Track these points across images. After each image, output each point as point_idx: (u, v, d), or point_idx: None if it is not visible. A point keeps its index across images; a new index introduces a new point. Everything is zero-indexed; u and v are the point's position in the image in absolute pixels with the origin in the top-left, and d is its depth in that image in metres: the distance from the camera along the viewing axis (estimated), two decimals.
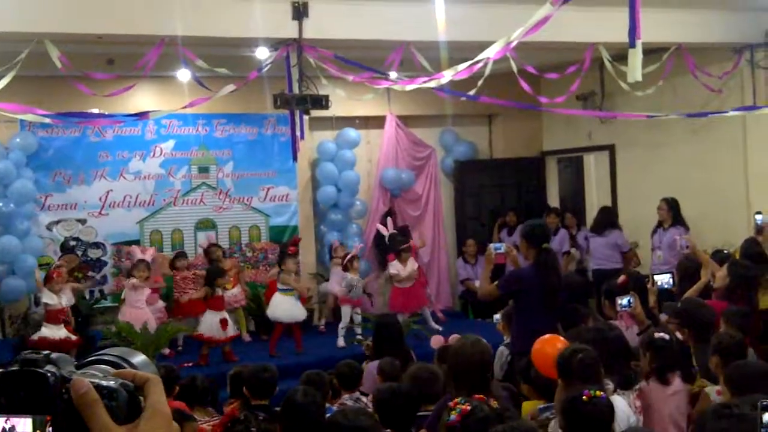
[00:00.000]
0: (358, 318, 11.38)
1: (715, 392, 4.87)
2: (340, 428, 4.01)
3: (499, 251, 7.59)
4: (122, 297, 10.68)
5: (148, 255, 10.88)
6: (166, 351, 10.41)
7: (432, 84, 8.43)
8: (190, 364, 9.83)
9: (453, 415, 3.93)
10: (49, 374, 1.10)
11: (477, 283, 10.00)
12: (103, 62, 10.03)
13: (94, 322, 11.25)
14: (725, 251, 8.99)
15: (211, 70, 8.82)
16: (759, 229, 8.77)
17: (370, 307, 12.51)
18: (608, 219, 12.21)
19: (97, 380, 1.13)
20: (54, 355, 1.14)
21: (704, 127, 11.32)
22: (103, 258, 12.06)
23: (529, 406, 5.37)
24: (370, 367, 6.99)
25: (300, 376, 6.29)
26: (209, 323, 10.28)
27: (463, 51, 8.30)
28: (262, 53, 9.19)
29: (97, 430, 1.11)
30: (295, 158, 10.36)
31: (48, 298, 9.78)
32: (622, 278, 7.70)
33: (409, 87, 8.80)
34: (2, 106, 8.33)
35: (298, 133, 9.60)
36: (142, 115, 9.58)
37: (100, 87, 9.43)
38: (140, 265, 10.54)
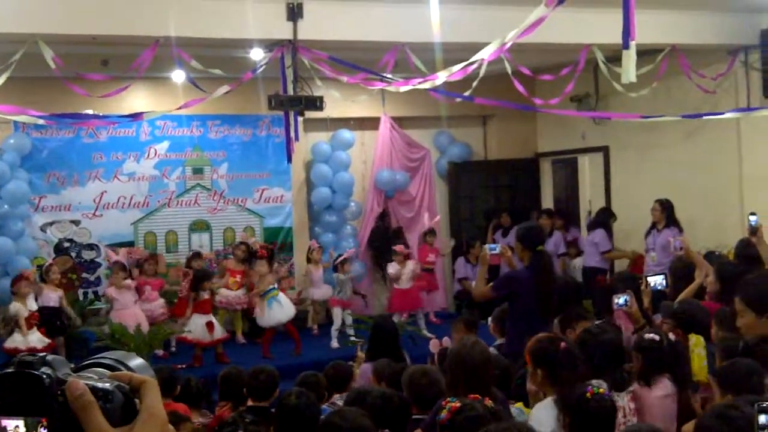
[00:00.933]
0: (349, 319, 11.40)
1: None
2: (336, 429, 4.01)
3: (494, 252, 7.60)
4: (107, 307, 10.66)
5: (121, 256, 10.81)
6: (160, 352, 10.41)
7: (426, 85, 8.44)
8: (184, 366, 9.83)
9: (443, 413, 3.94)
10: (44, 376, 1.10)
11: (473, 283, 10.02)
12: (97, 63, 10.01)
13: (87, 324, 11.22)
14: (716, 253, 9.00)
15: (205, 71, 8.81)
16: (753, 230, 8.77)
17: (364, 309, 12.52)
18: (599, 218, 12.27)
19: (92, 382, 1.13)
20: (50, 357, 1.14)
21: (698, 129, 11.34)
22: (97, 259, 12.05)
23: None
24: (365, 369, 6.99)
25: (294, 378, 6.29)
26: (195, 326, 10.28)
27: (457, 52, 8.30)
28: (257, 54, 9.19)
29: None
30: (289, 159, 10.35)
31: (14, 310, 9.74)
32: (598, 278, 7.77)
33: (404, 88, 8.80)
34: None
35: (292, 134, 9.59)
36: (136, 117, 9.57)
37: (95, 88, 9.42)
38: (115, 267, 10.53)
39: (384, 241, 13.20)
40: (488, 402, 4.12)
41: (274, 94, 8.90)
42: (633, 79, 5.93)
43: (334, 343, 11.09)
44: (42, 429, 1.09)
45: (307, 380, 6.03)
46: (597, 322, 6.12)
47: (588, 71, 11.11)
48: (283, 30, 8.69)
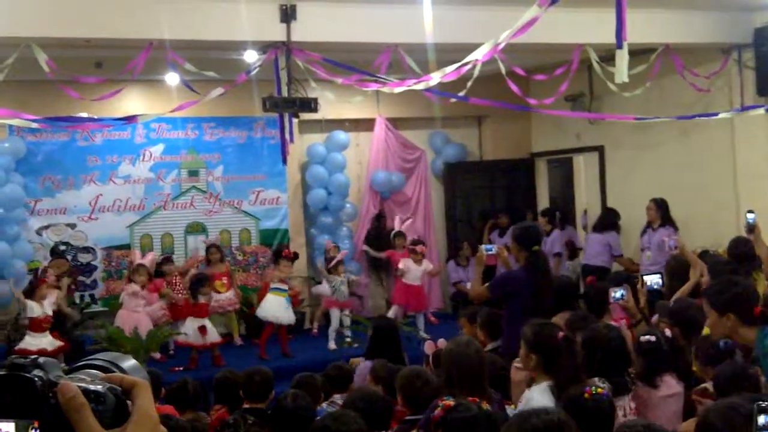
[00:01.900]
0: (347, 320, 11.40)
1: None
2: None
3: (489, 252, 7.59)
4: (120, 301, 10.65)
5: (147, 260, 10.84)
6: (157, 355, 10.40)
7: (421, 86, 8.44)
8: (180, 369, 9.83)
9: (437, 410, 3.95)
10: (36, 378, 1.10)
11: (468, 285, 10.01)
12: (91, 66, 10.01)
13: (84, 327, 11.20)
14: (711, 251, 9.01)
15: (199, 74, 8.80)
16: (750, 228, 8.78)
17: (361, 309, 12.52)
18: (611, 219, 12.23)
19: (84, 384, 1.13)
20: (41, 360, 1.14)
21: (693, 128, 11.36)
22: (93, 262, 12.04)
23: None
24: (362, 368, 7.00)
25: (291, 380, 6.29)
26: (188, 329, 10.29)
27: (451, 53, 8.30)
28: (251, 56, 9.18)
29: None
30: (284, 161, 10.36)
31: (31, 311, 9.74)
32: (589, 278, 7.77)
33: (398, 89, 8.80)
34: None
35: (287, 136, 9.59)
36: (130, 119, 9.55)
37: (89, 91, 9.42)
38: (141, 270, 10.54)
39: (380, 242, 13.18)
40: (485, 405, 4.11)
41: (269, 96, 8.90)
42: (625, 79, 5.95)
43: (332, 345, 11.10)
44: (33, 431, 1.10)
45: (303, 381, 6.03)
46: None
47: (582, 71, 11.12)
48: (276, 32, 8.69)
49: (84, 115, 10.38)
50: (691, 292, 7.41)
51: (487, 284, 7.35)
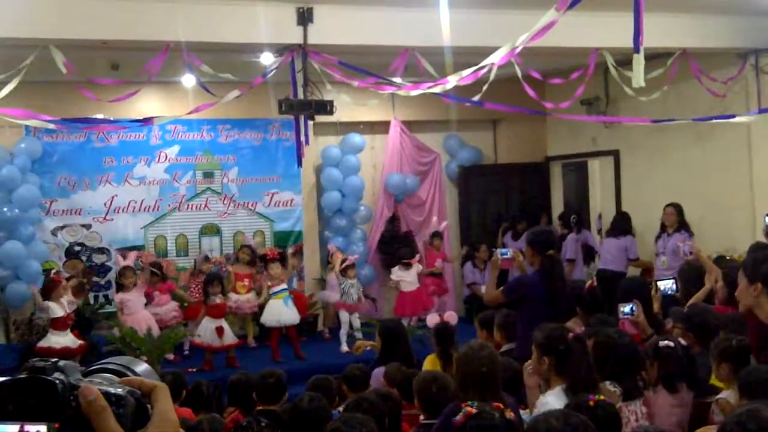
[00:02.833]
0: (357, 323, 11.41)
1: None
2: None
3: (505, 257, 7.57)
4: (115, 310, 10.67)
5: (130, 260, 10.77)
6: (171, 356, 10.42)
7: (437, 89, 8.44)
8: (194, 370, 9.85)
9: (458, 416, 3.91)
10: (57, 382, 1.11)
11: (483, 288, 10.00)
12: (107, 68, 10.05)
13: (98, 328, 11.25)
14: (727, 257, 8.96)
15: (215, 76, 8.82)
16: None
17: (374, 312, 12.52)
18: (625, 224, 12.17)
19: (105, 387, 1.13)
20: (61, 363, 1.15)
21: (709, 132, 11.31)
22: (107, 263, 12.08)
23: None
24: (376, 373, 6.99)
25: (305, 382, 6.29)
26: (205, 330, 10.29)
27: (467, 56, 8.29)
28: (267, 59, 9.20)
29: None
30: (299, 163, 10.35)
31: (54, 312, 9.77)
32: (589, 283, 7.73)
33: (414, 92, 8.80)
34: (7, 112, 8.33)
35: (302, 138, 9.59)
36: (146, 121, 9.58)
37: (105, 92, 9.46)
38: (126, 272, 10.47)
39: (394, 244, 13.20)
40: (509, 414, 4.04)
41: (285, 98, 8.91)
42: (642, 83, 5.91)
43: (344, 347, 11.11)
44: None
45: (319, 384, 6.03)
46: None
47: (598, 75, 11.10)
48: (293, 34, 8.70)
49: (100, 116, 10.44)
50: (706, 298, 7.37)
51: (501, 288, 7.34)
